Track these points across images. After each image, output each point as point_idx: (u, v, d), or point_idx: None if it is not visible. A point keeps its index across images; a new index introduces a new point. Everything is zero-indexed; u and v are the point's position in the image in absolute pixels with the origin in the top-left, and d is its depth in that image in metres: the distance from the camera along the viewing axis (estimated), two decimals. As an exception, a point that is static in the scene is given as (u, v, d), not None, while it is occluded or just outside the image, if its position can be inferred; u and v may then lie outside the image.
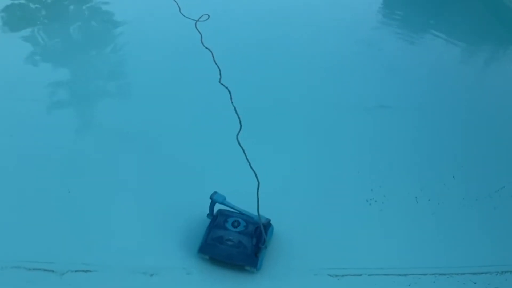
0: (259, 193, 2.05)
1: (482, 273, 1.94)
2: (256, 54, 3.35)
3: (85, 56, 3.32)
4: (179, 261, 1.93)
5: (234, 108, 2.71)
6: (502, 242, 2.09)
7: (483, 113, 2.88)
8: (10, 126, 2.66)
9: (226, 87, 2.87)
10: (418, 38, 3.76)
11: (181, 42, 3.43)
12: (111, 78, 3.12)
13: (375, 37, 3.66)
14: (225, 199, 1.94)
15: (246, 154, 2.38)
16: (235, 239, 1.87)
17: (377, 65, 3.30)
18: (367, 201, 2.23)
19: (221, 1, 4.06)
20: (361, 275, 1.92)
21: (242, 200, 1.95)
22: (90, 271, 1.90)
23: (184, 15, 3.71)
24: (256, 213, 1.90)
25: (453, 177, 2.39)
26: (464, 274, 1.94)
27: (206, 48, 3.27)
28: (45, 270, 1.90)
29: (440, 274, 1.93)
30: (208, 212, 1.99)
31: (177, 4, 3.87)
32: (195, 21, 3.61)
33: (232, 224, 1.91)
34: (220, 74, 2.99)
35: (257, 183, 2.17)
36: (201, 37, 3.39)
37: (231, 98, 2.78)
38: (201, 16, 3.66)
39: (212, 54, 3.19)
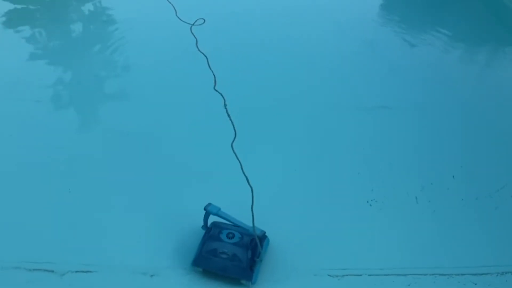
0: (254, 203, 2.00)
1: (482, 273, 1.94)
2: (252, 58, 3.33)
3: (84, 57, 3.33)
4: (179, 261, 1.92)
5: (229, 115, 2.68)
6: (503, 242, 2.08)
7: (483, 113, 2.88)
8: (10, 126, 2.66)
9: (221, 94, 2.84)
10: (418, 38, 3.76)
11: (177, 47, 3.41)
12: (110, 79, 3.13)
13: (375, 37, 3.66)
14: (219, 210, 1.91)
15: (241, 162, 2.34)
16: (229, 251, 1.84)
17: (377, 65, 3.30)
18: (367, 202, 2.23)
19: (217, 4, 4.03)
20: (361, 275, 1.91)
21: (237, 211, 1.92)
22: (90, 271, 1.90)
23: (180, 19, 3.69)
24: (251, 225, 1.87)
25: (453, 177, 2.39)
26: (464, 274, 1.93)
27: (201, 53, 3.24)
28: (45, 270, 1.89)
29: (440, 275, 1.93)
30: (202, 223, 1.96)
31: (173, 7, 3.85)
32: (190, 25, 3.59)
33: (227, 236, 1.88)
34: (215, 80, 2.97)
35: (251, 194, 2.11)
36: (197, 42, 3.37)
37: (225, 105, 2.75)
38: (196, 20, 3.64)
39: (207, 59, 3.16)
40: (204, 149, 2.51)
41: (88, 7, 4.03)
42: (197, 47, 3.32)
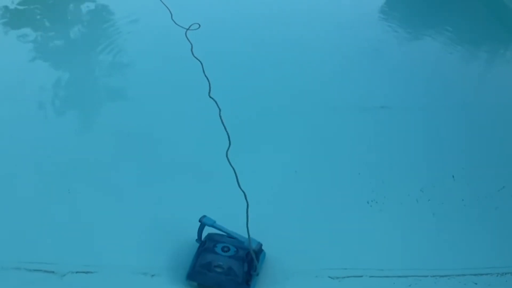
0: (250, 213, 1.97)
1: (483, 274, 1.94)
2: (249, 61, 3.28)
3: (84, 58, 3.32)
4: (180, 262, 1.92)
5: (223, 123, 2.62)
6: (503, 243, 2.08)
7: (484, 113, 2.88)
8: (10, 127, 2.66)
9: (215, 101, 2.79)
10: (419, 38, 3.76)
11: (171, 51, 3.36)
12: (109, 81, 3.13)
13: (375, 37, 3.65)
14: (214, 222, 1.85)
15: (236, 171, 2.29)
16: (225, 265, 1.77)
17: (377, 65, 3.29)
18: (367, 202, 2.23)
19: (212, 8, 3.97)
20: (361, 276, 1.91)
21: (233, 222, 1.87)
22: (91, 272, 1.90)
23: (175, 22, 3.64)
24: (247, 237, 1.82)
25: (453, 177, 2.39)
26: (464, 275, 1.93)
27: (196, 58, 3.19)
28: (45, 271, 1.89)
29: (441, 276, 1.93)
30: (196, 237, 1.91)
31: (169, 10, 3.82)
32: (185, 30, 3.54)
33: (222, 249, 1.81)
34: (209, 87, 2.93)
35: (246, 204, 2.06)
36: (192, 47, 3.31)
37: (220, 113, 2.70)
38: (191, 25, 3.59)
39: (202, 65, 3.10)
40: (197, 159, 2.44)
41: (87, 9, 4.02)
42: (192, 52, 3.27)
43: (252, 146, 2.55)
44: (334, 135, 2.66)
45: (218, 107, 2.74)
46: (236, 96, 2.92)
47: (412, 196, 2.27)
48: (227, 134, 2.55)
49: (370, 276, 1.91)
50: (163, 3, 3.91)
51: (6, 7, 3.98)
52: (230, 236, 1.83)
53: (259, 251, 1.83)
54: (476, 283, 1.91)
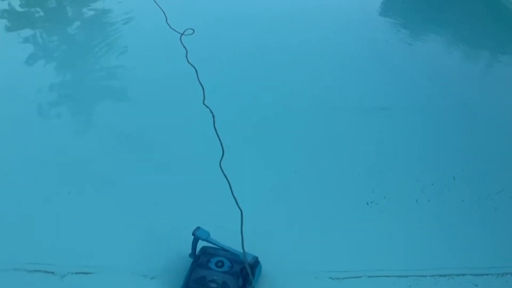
0: (246, 220, 1.96)
1: (483, 274, 1.94)
2: (243, 68, 3.25)
3: (81, 60, 3.33)
4: (180, 263, 1.92)
5: (216, 132, 2.59)
6: (503, 243, 2.08)
7: (484, 114, 2.88)
8: (10, 127, 2.66)
9: (210, 109, 2.76)
10: (419, 39, 3.76)
11: (167, 57, 3.33)
12: (108, 81, 3.12)
13: (375, 38, 3.65)
14: (209, 235, 1.78)
15: (230, 182, 2.26)
16: (219, 280, 1.70)
17: (377, 66, 3.29)
18: (368, 203, 2.23)
19: (206, 13, 3.92)
20: (361, 277, 1.91)
21: (228, 235, 1.85)
22: (90, 273, 1.89)
23: (170, 27, 3.62)
24: (242, 250, 1.79)
25: (453, 178, 2.38)
26: (465, 275, 1.93)
27: (191, 64, 3.16)
28: (45, 272, 1.89)
29: (441, 276, 1.93)
30: (190, 251, 1.84)
31: (164, 14, 3.79)
32: (180, 34, 3.51)
33: (216, 264, 1.75)
34: (204, 95, 2.89)
35: (240, 216, 2.05)
36: (187, 53, 3.28)
37: (214, 121, 2.67)
38: (186, 30, 3.55)
39: (196, 72, 3.06)
40: (191, 169, 2.40)
41: (87, 10, 4.03)
42: (186, 58, 3.22)
43: (246, 155, 2.50)
44: (334, 136, 2.66)
45: (213, 115, 2.71)
46: (230, 103, 2.88)
47: (412, 197, 2.27)
48: (221, 143, 2.52)
49: (370, 276, 1.91)
50: (158, 6, 3.90)
51: (6, 9, 3.99)
52: (224, 249, 1.79)
53: (255, 264, 1.79)
54: (476, 285, 1.90)
